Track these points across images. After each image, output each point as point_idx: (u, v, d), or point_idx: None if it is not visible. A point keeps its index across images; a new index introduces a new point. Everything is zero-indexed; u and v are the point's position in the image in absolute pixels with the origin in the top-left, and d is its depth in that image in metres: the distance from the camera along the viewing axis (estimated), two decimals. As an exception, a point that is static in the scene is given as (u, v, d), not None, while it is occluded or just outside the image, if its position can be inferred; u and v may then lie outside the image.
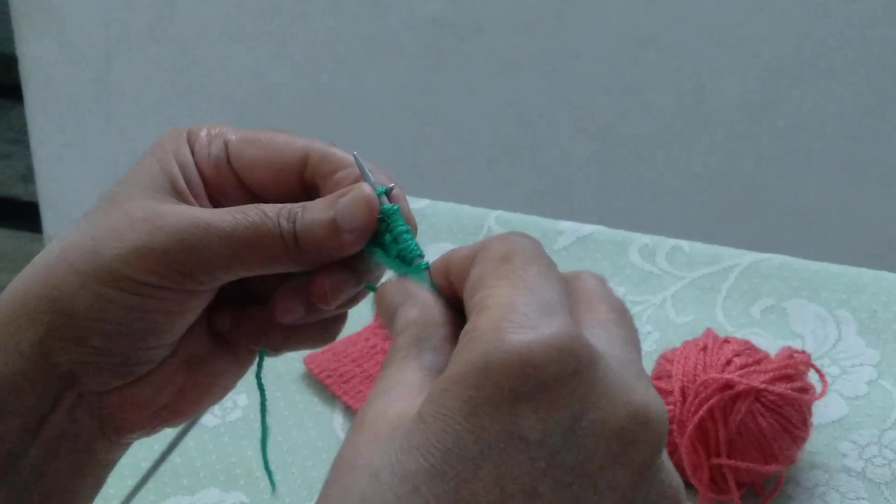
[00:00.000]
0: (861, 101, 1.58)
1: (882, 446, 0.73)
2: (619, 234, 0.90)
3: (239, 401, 0.79)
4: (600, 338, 0.35)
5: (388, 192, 0.45)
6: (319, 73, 1.82)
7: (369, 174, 0.45)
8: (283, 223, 0.44)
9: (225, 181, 0.46)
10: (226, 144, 0.46)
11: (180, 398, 0.47)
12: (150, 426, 0.47)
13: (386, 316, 0.41)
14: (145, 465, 0.74)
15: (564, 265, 0.37)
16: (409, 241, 0.44)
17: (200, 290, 0.44)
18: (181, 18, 1.87)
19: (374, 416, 0.35)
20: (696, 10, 1.60)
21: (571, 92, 1.68)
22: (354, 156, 0.45)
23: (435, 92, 1.75)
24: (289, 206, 0.44)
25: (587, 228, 0.90)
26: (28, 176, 2.30)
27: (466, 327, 0.34)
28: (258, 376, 0.50)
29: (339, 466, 0.34)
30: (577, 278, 0.38)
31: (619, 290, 0.86)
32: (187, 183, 0.46)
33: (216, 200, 0.46)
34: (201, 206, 0.46)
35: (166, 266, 0.43)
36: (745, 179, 1.67)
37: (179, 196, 0.45)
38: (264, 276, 0.46)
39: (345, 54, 1.79)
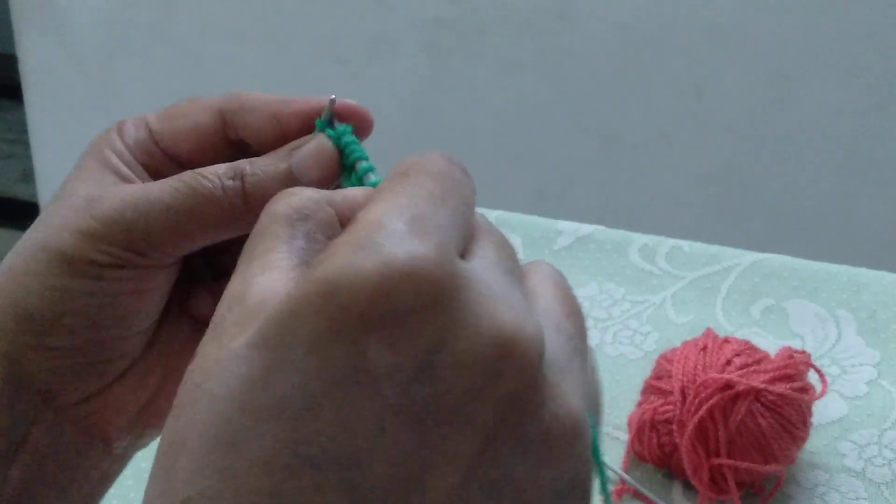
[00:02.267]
0: (861, 101, 1.58)
1: (882, 446, 0.73)
2: (619, 234, 0.90)
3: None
4: (477, 262, 0.31)
5: (331, 120, 0.44)
6: (320, 73, 1.82)
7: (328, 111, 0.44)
8: (227, 182, 0.42)
9: (157, 160, 0.45)
10: (147, 127, 0.45)
11: (162, 394, 0.45)
12: (137, 430, 0.45)
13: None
14: (145, 465, 0.74)
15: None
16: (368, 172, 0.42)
17: (154, 265, 0.43)
18: (182, 18, 1.87)
19: (221, 325, 0.31)
20: (696, 10, 1.60)
21: (571, 92, 1.69)
22: (332, 100, 0.44)
23: (436, 92, 1.75)
24: (233, 165, 0.43)
25: (587, 228, 0.90)
26: (28, 176, 2.30)
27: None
28: None
29: (186, 386, 0.30)
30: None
31: (619, 290, 0.86)
32: (129, 168, 0.45)
33: (156, 179, 0.45)
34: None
35: (112, 243, 0.41)
36: (745, 179, 1.67)
37: (123, 179, 0.44)
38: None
39: (346, 54, 1.79)
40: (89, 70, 1.98)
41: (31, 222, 0.45)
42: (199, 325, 0.46)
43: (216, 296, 0.45)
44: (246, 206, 0.42)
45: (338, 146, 0.44)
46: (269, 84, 2.04)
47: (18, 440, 0.42)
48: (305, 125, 0.45)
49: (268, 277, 0.32)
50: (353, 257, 0.29)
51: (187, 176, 0.42)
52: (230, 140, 0.45)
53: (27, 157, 2.21)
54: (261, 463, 0.28)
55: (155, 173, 0.45)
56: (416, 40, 1.74)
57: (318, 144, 0.43)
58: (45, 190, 2.14)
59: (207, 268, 0.47)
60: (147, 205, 0.42)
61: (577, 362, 0.31)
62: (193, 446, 0.29)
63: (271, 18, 1.82)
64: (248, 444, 0.28)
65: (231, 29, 1.85)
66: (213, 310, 0.45)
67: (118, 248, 0.42)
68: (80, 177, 0.44)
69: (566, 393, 0.30)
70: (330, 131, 0.44)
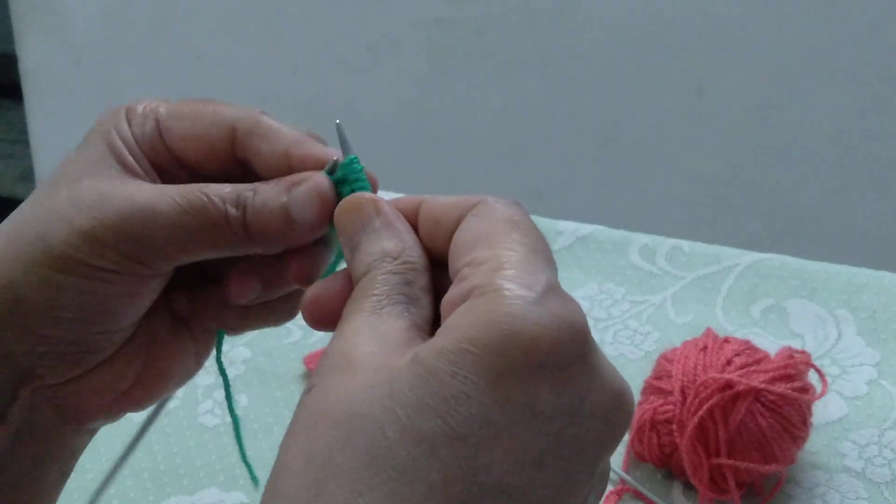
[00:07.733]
0: (861, 101, 1.58)
1: (882, 446, 0.73)
2: (619, 234, 0.90)
3: (239, 401, 0.79)
4: None
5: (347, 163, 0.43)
6: (320, 73, 1.82)
7: (346, 144, 0.44)
8: (231, 210, 0.42)
9: (162, 157, 0.45)
10: (157, 120, 0.45)
11: (140, 383, 0.46)
12: (111, 412, 0.46)
13: (348, 234, 0.40)
14: (145, 465, 0.74)
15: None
16: None
17: (151, 274, 0.43)
18: (182, 18, 1.87)
19: (356, 358, 0.34)
20: (696, 10, 1.60)
21: (571, 92, 1.69)
22: (337, 125, 0.44)
23: (435, 92, 1.75)
24: (237, 190, 0.43)
25: (587, 228, 0.90)
26: (28, 176, 2.30)
27: (479, 282, 0.34)
28: (218, 360, 0.48)
29: (325, 410, 0.33)
30: None
31: (619, 290, 0.86)
32: (135, 159, 0.44)
33: (160, 175, 0.45)
34: (150, 180, 0.44)
35: (115, 251, 0.42)
36: (745, 179, 1.67)
37: (129, 171, 0.44)
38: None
39: (346, 54, 1.79)
40: (89, 70, 1.98)
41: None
42: (180, 322, 0.47)
43: (193, 296, 0.47)
44: (246, 234, 0.43)
45: (337, 190, 0.43)
46: (269, 84, 2.06)
47: None
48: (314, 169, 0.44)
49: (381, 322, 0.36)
50: (527, 306, 0.33)
51: (194, 195, 0.43)
52: (236, 155, 0.45)
53: (27, 157, 2.21)
54: (439, 489, 0.31)
55: (157, 166, 0.45)
56: (416, 40, 1.74)
57: (311, 187, 0.43)
58: (45, 190, 2.13)
59: (193, 271, 0.47)
60: (152, 217, 0.42)
61: None
62: (351, 469, 0.32)
63: (271, 18, 1.82)
64: (424, 470, 0.31)
65: (231, 29, 1.85)
66: (189, 307, 0.46)
67: (118, 254, 0.42)
68: (86, 159, 0.44)
69: None
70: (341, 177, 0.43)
